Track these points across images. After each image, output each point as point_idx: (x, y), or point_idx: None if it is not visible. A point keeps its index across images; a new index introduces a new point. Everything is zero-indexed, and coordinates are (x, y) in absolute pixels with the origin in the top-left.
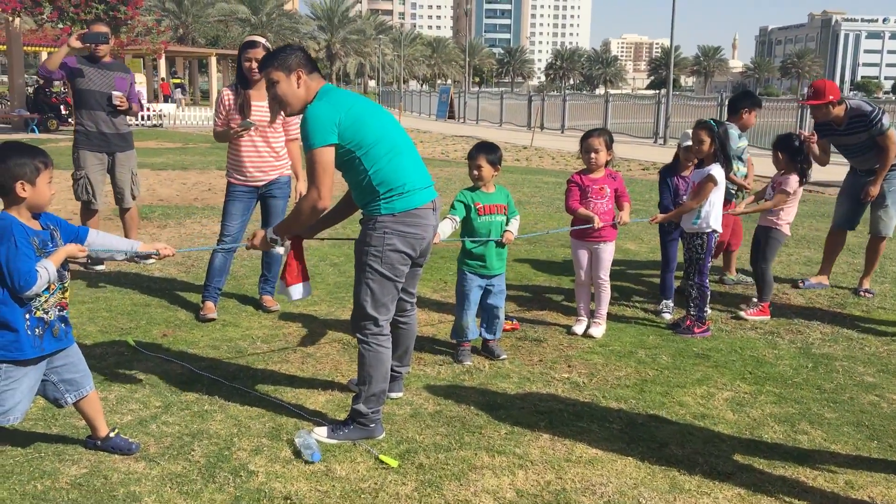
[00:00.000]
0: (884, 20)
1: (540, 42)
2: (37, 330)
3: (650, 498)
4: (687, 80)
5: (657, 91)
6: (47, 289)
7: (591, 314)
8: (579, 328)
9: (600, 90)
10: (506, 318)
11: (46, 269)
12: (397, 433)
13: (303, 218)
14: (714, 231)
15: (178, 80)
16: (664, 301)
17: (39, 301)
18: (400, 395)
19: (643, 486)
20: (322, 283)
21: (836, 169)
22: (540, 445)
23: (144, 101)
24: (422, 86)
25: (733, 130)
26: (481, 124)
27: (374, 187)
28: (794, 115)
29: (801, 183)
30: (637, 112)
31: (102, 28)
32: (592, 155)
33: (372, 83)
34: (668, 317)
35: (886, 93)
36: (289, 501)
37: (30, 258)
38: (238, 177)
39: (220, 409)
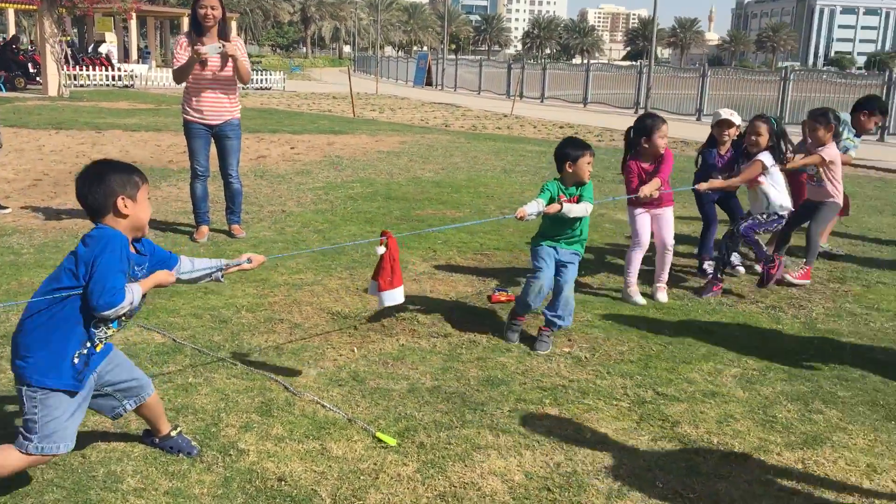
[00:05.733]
0: None
1: (517, 10)
2: (82, 361)
3: (667, 482)
4: (663, 52)
5: (638, 61)
6: (118, 321)
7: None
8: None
9: (577, 60)
10: (500, 290)
11: (133, 292)
12: (394, 410)
13: None
14: (785, 213)
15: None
16: (706, 261)
17: (105, 332)
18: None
19: (658, 469)
20: (307, 249)
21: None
22: (546, 424)
23: (115, 61)
24: (398, 52)
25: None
26: (459, 92)
27: None
28: (776, 87)
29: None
30: (618, 82)
31: None
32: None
33: (347, 48)
34: (741, 270)
35: (859, 68)
36: (283, 483)
37: (123, 275)
38: (194, 114)
39: (205, 381)
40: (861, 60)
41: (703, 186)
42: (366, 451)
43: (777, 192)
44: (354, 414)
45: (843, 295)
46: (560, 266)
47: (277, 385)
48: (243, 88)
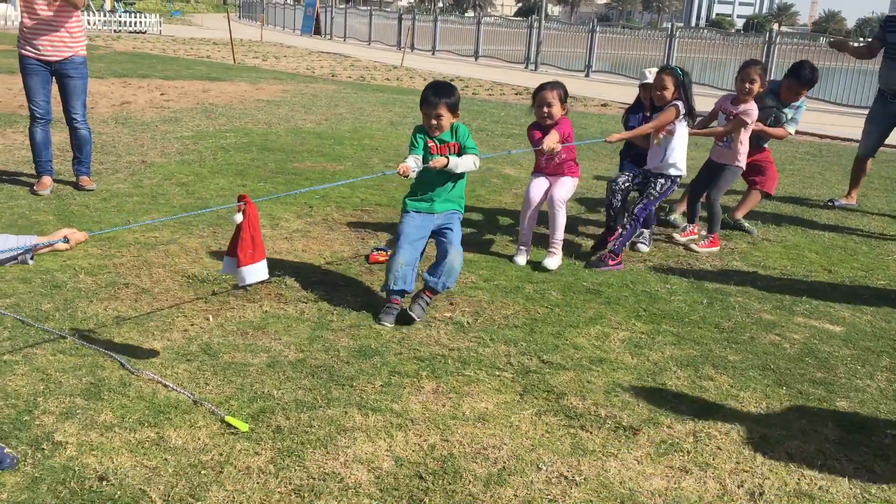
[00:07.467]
0: None
1: None
2: None
3: (550, 462)
4: (553, 9)
5: (529, 17)
6: None
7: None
8: (521, 259)
9: (469, 14)
10: (380, 250)
11: None
12: (250, 388)
13: None
14: (678, 177)
15: None
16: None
17: None
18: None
19: (542, 448)
20: (166, 205)
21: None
22: (421, 400)
23: None
24: None
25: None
26: (349, 42)
27: None
28: (662, 47)
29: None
30: (508, 38)
31: None
32: (545, 109)
33: None
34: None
35: (738, 31)
36: (104, 483)
37: None
38: (31, 49)
39: (24, 359)
40: (740, 23)
41: (614, 137)
42: (211, 439)
43: (679, 148)
44: (202, 394)
45: (729, 253)
46: (440, 231)
47: (112, 362)
48: (115, 31)
